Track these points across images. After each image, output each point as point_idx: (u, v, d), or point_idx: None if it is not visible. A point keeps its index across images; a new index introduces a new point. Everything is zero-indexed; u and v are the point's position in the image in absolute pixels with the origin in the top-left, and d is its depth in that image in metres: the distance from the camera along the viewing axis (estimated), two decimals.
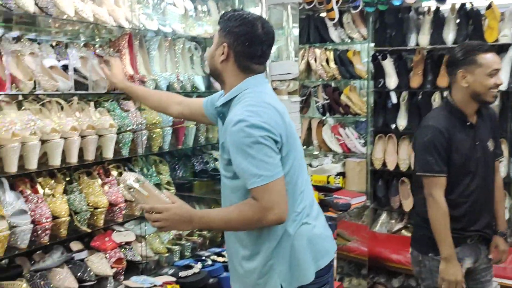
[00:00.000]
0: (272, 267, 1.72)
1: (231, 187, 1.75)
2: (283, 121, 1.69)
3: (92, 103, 2.47)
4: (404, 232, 3.83)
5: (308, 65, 4.16)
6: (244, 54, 1.73)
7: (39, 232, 2.12)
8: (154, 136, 2.66)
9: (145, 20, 2.59)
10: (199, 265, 2.58)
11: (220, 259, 2.70)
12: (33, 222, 2.09)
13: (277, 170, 1.60)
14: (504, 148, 3.41)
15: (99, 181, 2.43)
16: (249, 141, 1.57)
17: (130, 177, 1.70)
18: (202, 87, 2.94)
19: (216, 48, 1.78)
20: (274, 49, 3.67)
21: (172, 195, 1.70)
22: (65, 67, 2.41)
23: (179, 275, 2.49)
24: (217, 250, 2.87)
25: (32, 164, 2.10)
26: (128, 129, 2.50)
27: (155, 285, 2.35)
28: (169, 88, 2.75)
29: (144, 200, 1.66)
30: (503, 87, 3.31)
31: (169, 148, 2.79)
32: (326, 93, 4.07)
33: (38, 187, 2.24)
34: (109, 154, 2.42)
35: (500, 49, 3.36)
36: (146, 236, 2.70)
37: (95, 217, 2.37)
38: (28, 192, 2.17)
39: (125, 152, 2.52)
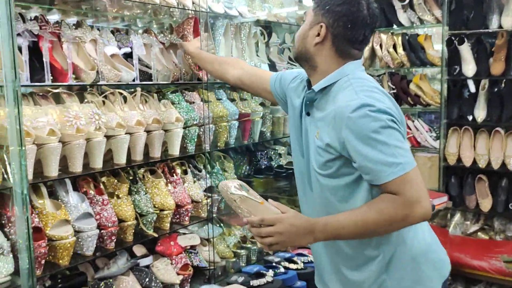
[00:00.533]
0: (384, 284, 1.46)
1: (330, 188, 1.49)
2: (397, 109, 1.43)
3: (155, 95, 2.25)
4: (480, 234, 3.49)
5: (372, 51, 3.84)
6: (345, 38, 1.46)
7: (105, 237, 1.92)
8: (220, 130, 2.43)
9: (211, 2, 2.34)
10: (271, 273, 2.34)
11: (292, 265, 2.46)
12: (98, 226, 1.89)
13: (412, 157, 1.35)
14: None
15: (164, 180, 2.22)
16: (377, 125, 1.32)
17: (231, 185, 1.45)
18: None
19: (309, 28, 1.52)
20: None
21: (280, 204, 1.45)
22: (126, 56, 2.20)
23: (251, 284, 2.26)
24: (287, 255, 2.63)
25: (98, 163, 1.90)
26: (194, 123, 2.27)
27: None
28: None
29: (254, 211, 1.40)
30: None
31: (235, 144, 2.55)
32: (392, 82, 3.75)
33: (102, 187, 2.04)
34: (175, 150, 2.21)
35: None
36: (211, 239, 2.48)
37: (161, 220, 2.16)
38: (92, 193, 1.98)
39: (191, 148, 2.30)
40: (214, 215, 2.42)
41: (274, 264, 2.47)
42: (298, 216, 1.40)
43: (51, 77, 1.85)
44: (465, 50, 3.42)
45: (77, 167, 1.83)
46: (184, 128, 2.22)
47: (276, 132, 2.84)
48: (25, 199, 1.58)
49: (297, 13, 2.88)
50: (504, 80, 3.37)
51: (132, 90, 2.25)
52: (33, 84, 1.79)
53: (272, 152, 2.89)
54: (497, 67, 3.31)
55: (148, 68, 2.20)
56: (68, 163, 1.84)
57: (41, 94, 1.96)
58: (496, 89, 3.42)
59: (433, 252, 1.53)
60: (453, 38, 3.49)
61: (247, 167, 2.78)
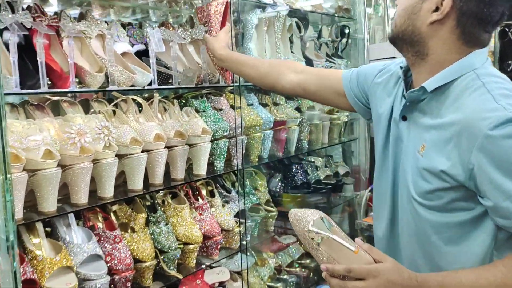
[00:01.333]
0: None
1: (433, 224, 1.08)
2: None
3: (176, 101, 1.85)
4: None
5: None
6: (477, 16, 1.04)
7: (118, 284, 1.52)
8: (253, 142, 2.02)
9: None
10: None
11: None
12: (109, 271, 1.49)
13: None
14: None
15: (188, 205, 1.81)
16: None
17: (309, 218, 1.03)
18: None
19: (423, 0, 1.09)
20: (366, 27, 2.97)
21: (372, 247, 1.04)
22: (138, 54, 1.80)
23: None
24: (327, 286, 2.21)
25: (108, 191, 1.49)
26: (224, 134, 1.86)
27: None
28: None
29: (338, 257, 1.01)
30: None
31: (268, 158, 2.15)
32: None
33: (113, 217, 1.64)
34: (202, 169, 1.80)
35: None
36: (243, 272, 2.07)
37: (185, 256, 1.76)
38: (101, 227, 1.57)
39: (220, 166, 1.89)
40: (247, 245, 2.02)
41: None
42: (399, 268, 1.00)
43: (48, 82, 1.45)
44: None
45: (81, 197, 1.42)
46: (211, 141, 1.82)
47: (313, 141, 2.43)
48: (12, 246, 1.17)
49: (336, 0, 2.47)
50: None
51: (146, 95, 1.86)
52: (24, 91, 1.39)
53: (308, 165, 2.48)
54: None
55: (167, 68, 1.80)
56: (70, 192, 1.44)
57: (35, 103, 1.55)
58: None
59: None
60: (506, 29, 3.07)
61: (281, 183, 2.37)
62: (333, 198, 2.68)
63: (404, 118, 1.15)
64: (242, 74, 1.72)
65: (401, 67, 1.21)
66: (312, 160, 2.53)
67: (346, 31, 2.67)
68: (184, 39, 1.91)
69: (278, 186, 2.36)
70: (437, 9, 1.06)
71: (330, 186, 2.50)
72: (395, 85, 1.23)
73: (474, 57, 1.07)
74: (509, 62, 3.07)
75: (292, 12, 2.28)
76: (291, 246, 2.42)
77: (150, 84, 1.69)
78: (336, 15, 2.53)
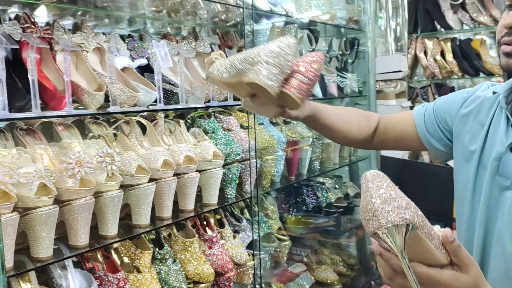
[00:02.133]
0: None
1: None
2: None
3: (182, 122, 1.66)
4: None
5: (415, 59, 3.30)
6: None
7: None
8: (266, 165, 1.84)
9: None
10: None
11: None
12: None
13: None
14: None
15: (197, 239, 1.62)
16: None
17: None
18: (319, 92, 2.11)
19: None
20: (369, 42, 2.84)
21: (460, 246, 0.75)
22: (139, 70, 1.61)
23: None
24: None
25: (111, 228, 1.29)
26: (236, 158, 1.68)
27: None
28: None
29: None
30: None
31: (281, 182, 1.97)
32: (439, 94, 3.20)
33: (114, 256, 1.43)
34: (213, 198, 1.61)
35: None
36: None
37: None
38: (101, 268, 1.36)
39: (231, 193, 1.70)
40: (262, 280, 1.82)
41: None
42: (479, 285, 0.74)
43: (40, 103, 1.25)
44: None
45: (81, 237, 1.22)
46: (223, 166, 1.63)
47: (325, 162, 2.26)
48: None
49: (346, 12, 2.31)
50: None
51: (154, 117, 1.66)
52: (13, 117, 1.19)
53: (319, 187, 2.30)
54: None
55: (173, 85, 1.61)
56: (67, 231, 1.23)
57: (25, 128, 1.35)
58: None
59: None
60: None
61: (293, 208, 2.19)
62: (343, 220, 2.52)
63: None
64: (326, 130, 1.24)
65: (494, 92, 1.04)
66: (322, 181, 2.36)
67: (356, 43, 2.53)
68: (188, 52, 1.73)
69: (292, 211, 2.18)
70: None
71: (341, 209, 2.33)
72: (487, 113, 1.05)
73: None
74: None
75: (303, 24, 2.12)
76: (301, 275, 2.23)
77: (156, 103, 1.51)
78: (346, 26, 2.38)
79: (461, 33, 3.23)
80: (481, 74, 3.10)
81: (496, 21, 3.02)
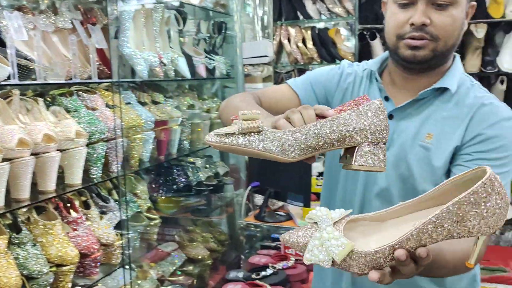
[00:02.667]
0: None
1: None
2: None
3: (41, 100, 1.57)
4: None
5: (280, 46, 3.49)
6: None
7: None
8: (133, 145, 1.83)
9: None
10: None
11: None
12: None
13: None
14: None
15: (60, 221, 1.56)
16: None
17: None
18: (187, 72, 2.15)
19: (464, 13, 1.09)
20: (236, 27, 2.97)
21: None
22: None
23: None
24: None
25: None
26: (101, 137, 1.64)
27: None
28: (149, 74, 1.91)
29: None
30: (508, 69, 2.97)
31: (150, 162, 1.97)
32: None
33: None
34: (76, 178, 1.57)
35: (508, 27, 3.02)
36: None
37: (59, 280, 1.51)
38: None
39: (97, 173, 1.67)
40: (130, 260, 1.82)
41: None
42: None
43: None
44: (377, 45, 3.26)
45: None
46: (87, 145, 1.59)
47: (195, 141, 2.31)
48: None
49: None
50: None
51: (9, 94, 1.55)
52: None
53: (189, 167, 2.35)
54: None
55: (29, 61, 1.51)
56: None
57: None
58: None
59: None
60: (364, 32, 3.31)
61: (163, 188, 2.20)
62: (213, 199, 2.61)
63: (390, 117, 1.13)
64: None
65: (365, 69, 1.21)
66: (193, 161, 2.41)
67: (223, 27, 2.60)
68: (47, 26, 1.64)
69: (163, 191, 2.20)
70: (467, 16, 1.10)
71: (212, 188, 2.41)
72: (359, 88, 1.21)
73: (458, 57, 1.15)
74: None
75: (169, 5, 2.13)
76: (172, 253, 2.27)
77: (7, 79, 1.41)
78: (214, 9, 2.44)
79: (321, 22, 3.50)
80: (337, 61, 3.40)
81: (348, 12, 3.34)
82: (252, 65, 3.29)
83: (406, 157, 1.10)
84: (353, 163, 0.75)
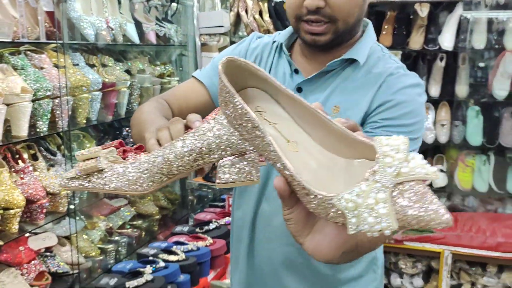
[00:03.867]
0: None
1: None
2: None
3: None
4: None
5: (238, 17, 3.61)
6: None
7: None
8: (80, 103, 1.97)
9: None
10: (149, 269, 2.01)
11: (173, 257, 2.16)
12: None
13: None
14: (446, 112, 3.33)
15: (7, 169, 1.70)
16: None
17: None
18: (136, 38, 2.27)
19: None
20: None
21: None
22: None
23: (127, 286, 1.91)
24: (162, 245, 2.31)
25: None
26: (47, 94, 1.77)
27: None
28: (97, 38, 2.04)
29: None
30: (448, 47, 3.17)
31: (98, 120, 2.11)
32: None
33: None
34: (22, 131, 1.70)
35: (451, 7, 3.21)
36: (71, 237, 2.03)
37: (6, 222, 1.66)
38: None
39: (43, 127, 1.80)
40: (75, 209, 1.98)
41: (150, 258, 2.14)
42: None
43: None
44: None
45: None
46: (33, 101, 1.72)
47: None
48: None
49: None
50: None
51: None
52: None
53: None
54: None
55: None
56: None
57: None
58: None
59: None
60: None
61: None
62: None
63: (299, 90, 1.11)
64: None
65: (274, 41, 1.15)
66: None
67: None
68: None
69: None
70: None
71: None
72: (267, 60, 1.15)
73: (371, 27, 1.13)
74: None
75: None
76: (122, 208, 2.43)
77: None
78: None
79: None
80: None
81: None
82: (209, 34, 3.41)
83: None
84: (216, 183, 0.62)
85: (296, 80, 1.10)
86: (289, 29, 1.16)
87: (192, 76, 1.18)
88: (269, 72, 1.13)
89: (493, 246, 2.84)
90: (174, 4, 2.71)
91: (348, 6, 1.01)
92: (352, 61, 1.08)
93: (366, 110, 1.04)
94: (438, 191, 3.38)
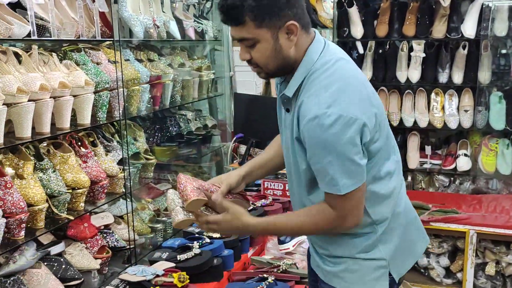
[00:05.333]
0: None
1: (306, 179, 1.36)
2: None
3: (54, 55, 1.90)
4: None
5: None
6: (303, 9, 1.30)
7: (12, 226, 1.60)
8: (132, 95, 2.17)
9: None
10: (196, 245, 2.21)
11: (215, 234, 2.35)
12: (3, 214, 1.56)
13: None
14: (469, 98, 3.44)
15: (74, 154, 1.92)
16: None
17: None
18: (178, 34, 2.47)
19: (275, 39, 1.23)
20: None
21: (221, 202, 1.35)
22: (12, 6, 1.80)
23: (178, 259, 2.11)
24: None
25: None
26: (106, 87, 1.98)
27: (157, 275, 1.96)
28: (145, 35, 2.23)
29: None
30: (471, 35, 3.28)
31: (146, 110, 2.32)
32: None
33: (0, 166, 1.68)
34: (86, 119, 1.91)
35: None
36: (126, 216, 2.24)
37: (74, 200, 1.88)
38: None
39: (102, 117, 2.01)
40: (132, 190, 2.19)
41: (196, 235, 2.34)
42: (237, 218, 1.34)
43: None
44: (354, 13, 3.55)
45: None
46: (94, 93, 1.93)
47: (185, 96, 2.65)
48: None
49: None
50: (388, 42, 3.60)
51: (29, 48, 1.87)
52: None
53: (181, 118, 2.70)
54: (381, 29, 3.51)
55: (44, 21, 1.83)
56: None
57: None
58: (381, 51, 3.64)
59: (418, 219, 1.51)
60: (343, 0, 3.60)
61: (158, 134, 2.55)
62: (203, 148, 2.96)
63: (287, 110, 1.34)
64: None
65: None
66: (184, 113, 2.75)
67: None
68: None
69: (157, 137, 2.55)
70: (289, 33, 1.23)
71: (201, 137, 2.77)
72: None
73: (311, 52, 1.26)
74: (345, 29, 3.62)
75: None
76: (166, 192, 2.63)
77: (29, 36, 1.73)
78: None
79: None
80: (318, 27, 3.71)
81: None
82: None
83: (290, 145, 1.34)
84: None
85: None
86: None
87: None
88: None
89: None
90: (209, 2, 2.89)
91: (263, 59, 1.25)
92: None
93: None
94: (462, 175, 3.52)
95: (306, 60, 1.27)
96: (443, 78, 3.42)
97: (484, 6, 3.28)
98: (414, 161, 3.58)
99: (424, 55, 3.43)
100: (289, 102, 1.31)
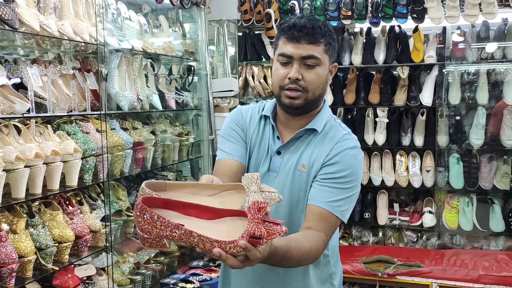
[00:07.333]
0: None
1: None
2: None
3: (49, 126, 2.23)
4: (342, 242, 3.99)
5: (245, 81, 4.18)
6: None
7: (5, 275, 1.85)
8: (116, 159, 2.48)
9: (106, 36, 2.41)
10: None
11: (189, 285, 2.59)
12: None
13: None
14: (430, 159, 3.75)
15: (61, 212, 2.20)
16: None
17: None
18: (159, 105, 2.82)
19: (327, 72, 1.46)
20: (208, 64, 3.65)
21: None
22: (15, 86, 2.15)
23: None
24: (181, 276, 2.75)
25: None
26: (92, 153, 2.30)
27: None
28: (130, 108, 2.58)
29: None
30: (428, 103, 3.64)
31: (129, 173, 2.62)
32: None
33: None
34: (73, 181, 2.21)
35: (428, 69, 3.71)
36: (107, 268, 2.49)
37: (60, 253, 2.14)
38: None
39: (88, 179, 2.31)
40: (112, 244, 2.45)
41: (171, 286, 2.57)
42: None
43: None
44: None
45: None
46: (82, 158, 2.24)
47: (166, 159, 2.96)
48: None
49: (183, 46, 3.07)
50: (356, 109, 3.97)
51: (27, 122, 2.20)
52: None
53: (162, 179, 3.00)
54: (349, 97, 3.89)
55: (42, 99, 2.18)
56: None
57: None
58: (349, 116, 4.00)
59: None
60: None
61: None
62: None
63: (279, 153, 1.50)
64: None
65: (265, 116, 1.53)
66: (165, 175, 3.06)
67: (192, 69, 3.29)
68: (54, 74, 2.32)
69: (137, 196, 2.83)
70: (331, 72, 1.47)
71: None
72: (258, 127, 1.53)
73: (327, 104, 1.54)
74: None
75: (147, 54, 2.81)
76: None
77: (29, 112, 2.06)
78: (182, 56, 3.13)
79: None
80: None
81: None
82: (221, 97, 3.97)
83: (288, 182, 1.47)
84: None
85: (277, 145, 1.51)
86: (272, 103, 1.57)
87: (219, 159, 1.52)
88: (257, 136, 1.53)
89: (475, 278, 3.17)
90: (190, 77, 3.27)
91: (317, 82, 1.42)
92: (313, 130, 1.48)
93: (321, 163, 1.44)
94: (428, 231, 3.77)
95: (326, 108, 1.52)
96: (405, 141, 3.75)
97: (437, 79, 3.66)
98: (383, 217, 3.85)
99: (387, 120, 3.79)
100: (289, 144, 1.48)
